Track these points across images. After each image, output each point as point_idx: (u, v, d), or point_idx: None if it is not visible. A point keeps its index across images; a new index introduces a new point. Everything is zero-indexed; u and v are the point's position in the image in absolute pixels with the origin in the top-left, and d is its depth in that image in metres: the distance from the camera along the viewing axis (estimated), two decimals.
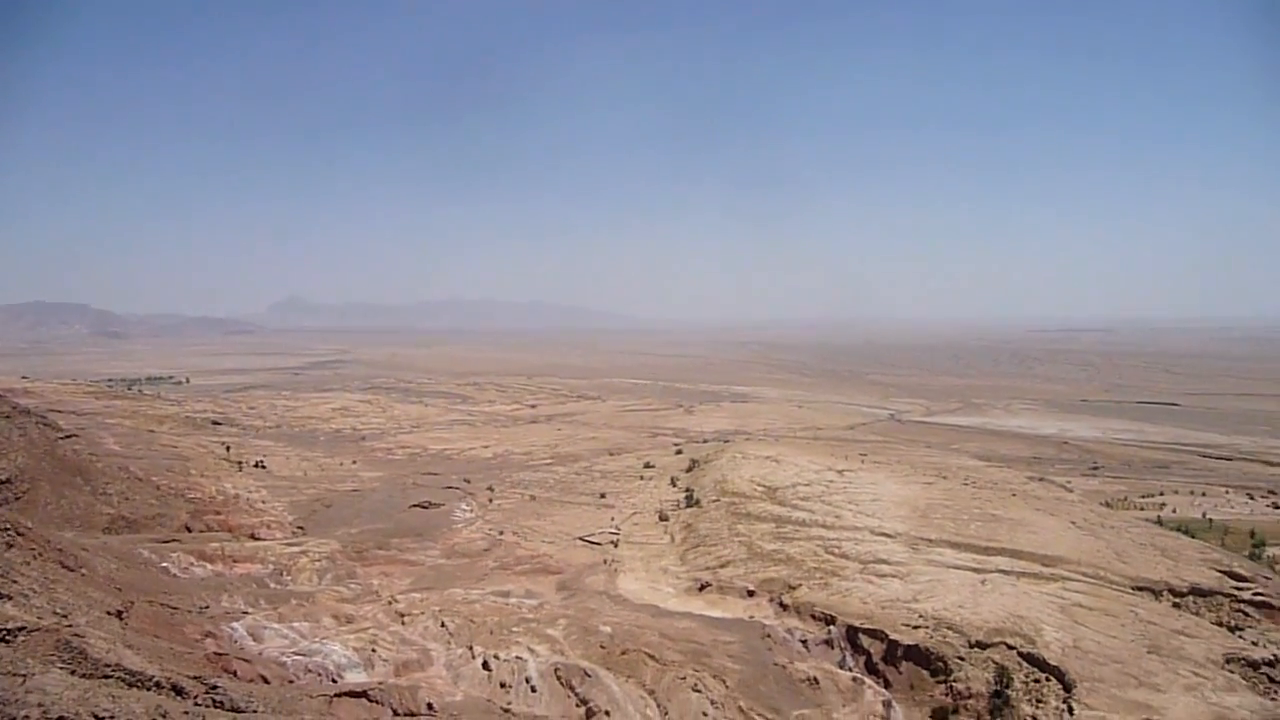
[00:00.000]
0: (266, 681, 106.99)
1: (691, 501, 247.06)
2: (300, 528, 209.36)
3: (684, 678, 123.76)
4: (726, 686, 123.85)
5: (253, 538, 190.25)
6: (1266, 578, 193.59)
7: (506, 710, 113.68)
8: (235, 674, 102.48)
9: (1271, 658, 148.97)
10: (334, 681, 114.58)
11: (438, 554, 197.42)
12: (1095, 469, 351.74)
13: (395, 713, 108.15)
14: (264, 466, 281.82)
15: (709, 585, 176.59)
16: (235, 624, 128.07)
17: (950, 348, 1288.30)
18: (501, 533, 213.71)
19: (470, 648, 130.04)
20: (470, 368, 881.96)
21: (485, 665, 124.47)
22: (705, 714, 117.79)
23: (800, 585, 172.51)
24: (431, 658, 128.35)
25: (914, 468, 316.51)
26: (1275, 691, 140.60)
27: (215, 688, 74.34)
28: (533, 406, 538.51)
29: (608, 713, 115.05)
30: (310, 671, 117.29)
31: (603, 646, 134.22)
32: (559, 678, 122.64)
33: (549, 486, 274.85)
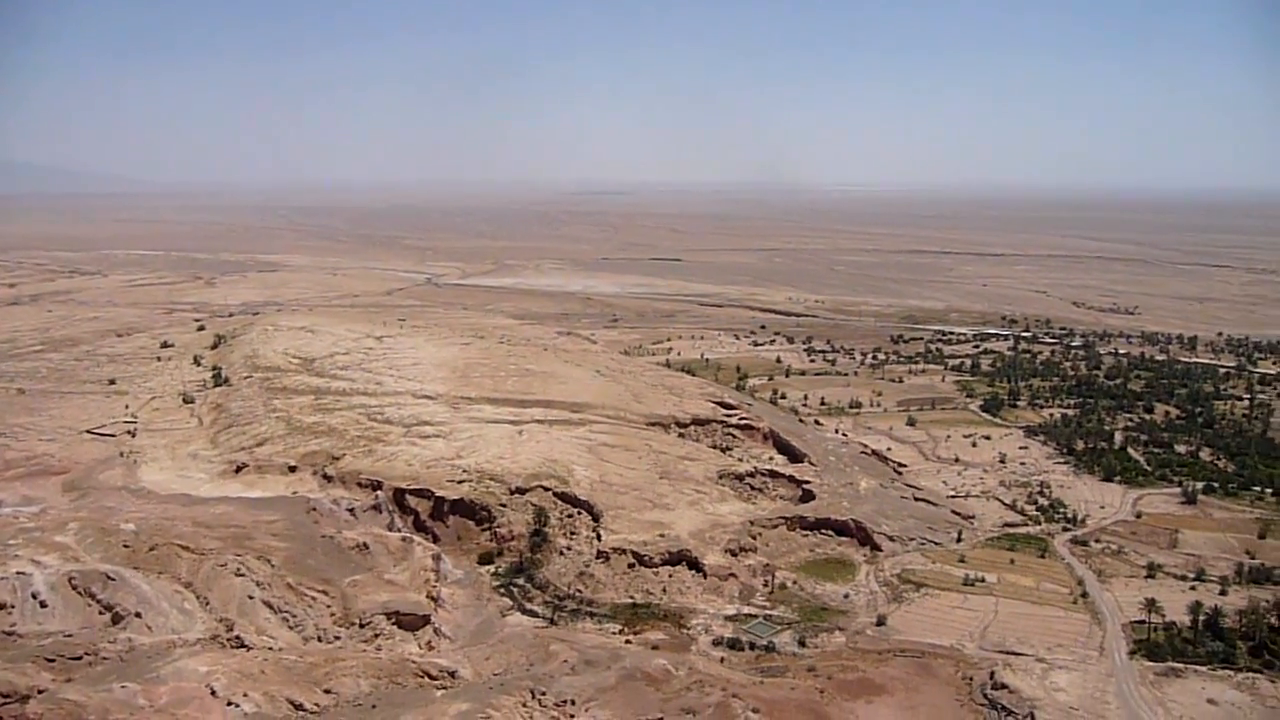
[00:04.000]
0: None
1: (220, 380, 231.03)
2: None
3: (225, 564, 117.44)
4: (273, 566, 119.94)
5: None
6: (749, 404, 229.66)
7: (10, 633, 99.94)
8: None
9: (752, 470, 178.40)
10: None
11: None
12: (615, 321, 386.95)
13: None
14: None
15: (246, 466, 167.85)
16: None
17: (484, 210, 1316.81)
18: None
19: None
20: None
21: None
22: (251, 597, 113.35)
23: (345, 455, 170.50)
24: None
25: (452, 330, 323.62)
26: (754, 497, 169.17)
27: None
28: (11, 285, 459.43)
29: (139, 614, 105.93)
30: None
31: (127, 545, 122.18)
32: (75, 587, 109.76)
33: (42, 377, 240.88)
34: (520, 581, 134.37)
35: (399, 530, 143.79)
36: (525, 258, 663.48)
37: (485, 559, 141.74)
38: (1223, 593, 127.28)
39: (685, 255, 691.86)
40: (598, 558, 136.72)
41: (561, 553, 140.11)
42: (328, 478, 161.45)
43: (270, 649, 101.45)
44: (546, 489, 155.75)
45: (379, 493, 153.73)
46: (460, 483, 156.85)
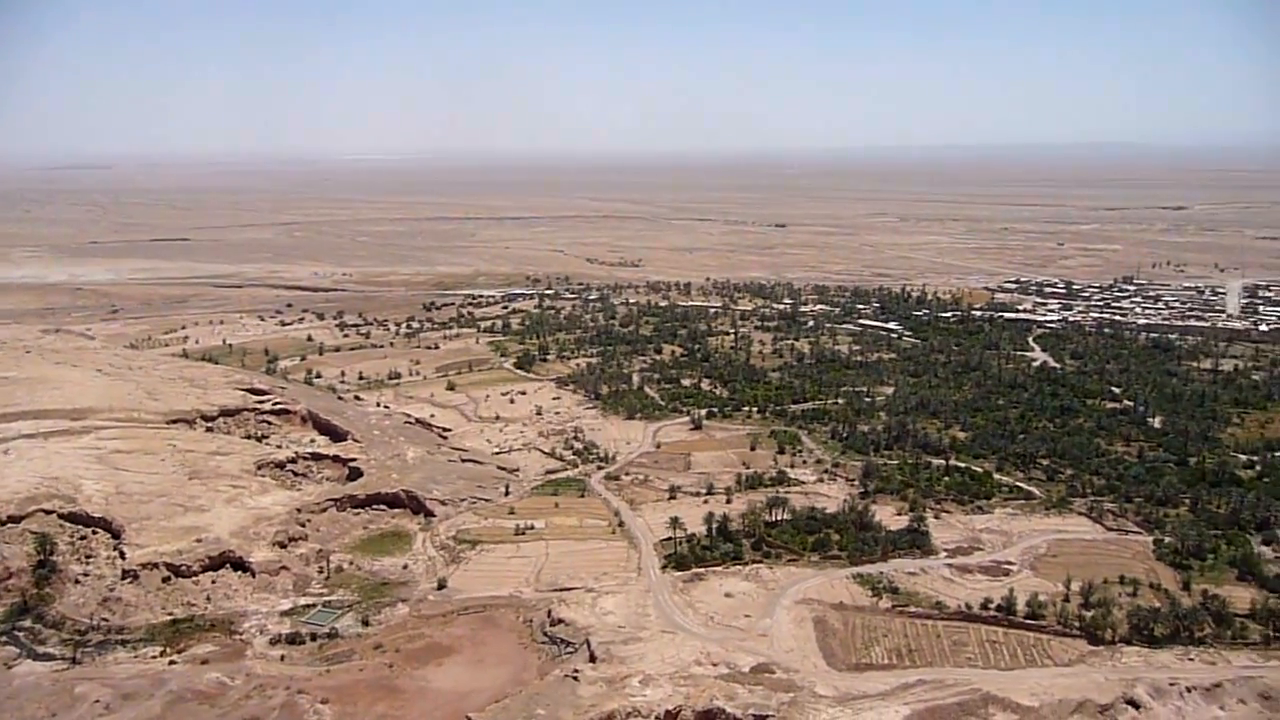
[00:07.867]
0: None
1: None
2: None
3: None
4: None
5: None
6: (282, 388, 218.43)
7: None
8: None
9: (293, 455, 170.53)
10: None
11: None
12: (115, 312, 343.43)
13: None
14: None
15: None
16: None
17: None
18: None
19: None
20: None
21: None
22: None
23: None
24: None
25: None
26: (299, 483, 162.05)
27: None
28: None
29: None
30: None
31: None
32: None
33: None
34: (27, 623, 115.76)
35: None
36: None
37: None
38: (728, 501, 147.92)
39: (192, 234, 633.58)
40: (124, 578, 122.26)
41: (77, 581, 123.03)
42: None
43: None
44: (49, 512, 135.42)
45: None
46: None
